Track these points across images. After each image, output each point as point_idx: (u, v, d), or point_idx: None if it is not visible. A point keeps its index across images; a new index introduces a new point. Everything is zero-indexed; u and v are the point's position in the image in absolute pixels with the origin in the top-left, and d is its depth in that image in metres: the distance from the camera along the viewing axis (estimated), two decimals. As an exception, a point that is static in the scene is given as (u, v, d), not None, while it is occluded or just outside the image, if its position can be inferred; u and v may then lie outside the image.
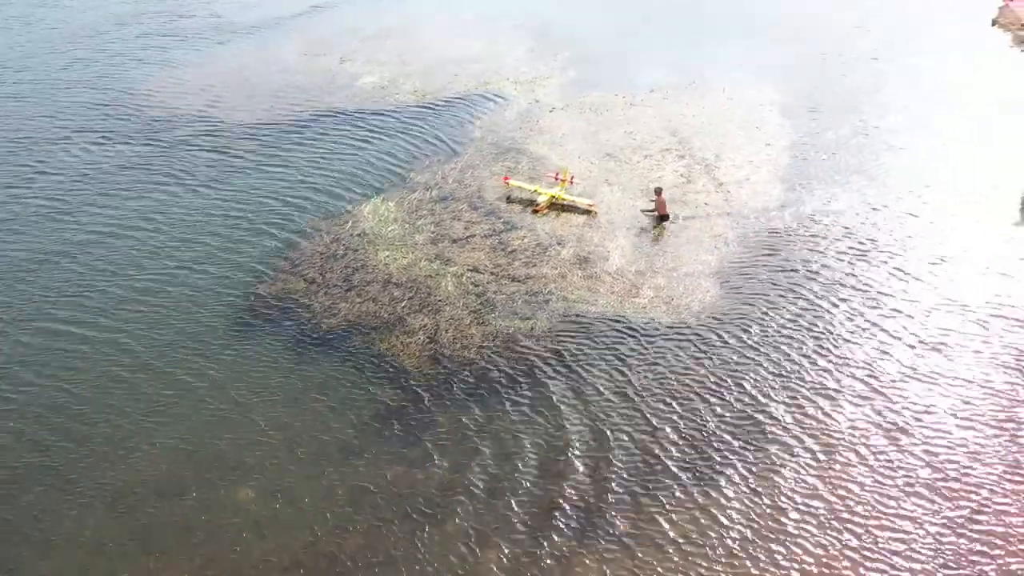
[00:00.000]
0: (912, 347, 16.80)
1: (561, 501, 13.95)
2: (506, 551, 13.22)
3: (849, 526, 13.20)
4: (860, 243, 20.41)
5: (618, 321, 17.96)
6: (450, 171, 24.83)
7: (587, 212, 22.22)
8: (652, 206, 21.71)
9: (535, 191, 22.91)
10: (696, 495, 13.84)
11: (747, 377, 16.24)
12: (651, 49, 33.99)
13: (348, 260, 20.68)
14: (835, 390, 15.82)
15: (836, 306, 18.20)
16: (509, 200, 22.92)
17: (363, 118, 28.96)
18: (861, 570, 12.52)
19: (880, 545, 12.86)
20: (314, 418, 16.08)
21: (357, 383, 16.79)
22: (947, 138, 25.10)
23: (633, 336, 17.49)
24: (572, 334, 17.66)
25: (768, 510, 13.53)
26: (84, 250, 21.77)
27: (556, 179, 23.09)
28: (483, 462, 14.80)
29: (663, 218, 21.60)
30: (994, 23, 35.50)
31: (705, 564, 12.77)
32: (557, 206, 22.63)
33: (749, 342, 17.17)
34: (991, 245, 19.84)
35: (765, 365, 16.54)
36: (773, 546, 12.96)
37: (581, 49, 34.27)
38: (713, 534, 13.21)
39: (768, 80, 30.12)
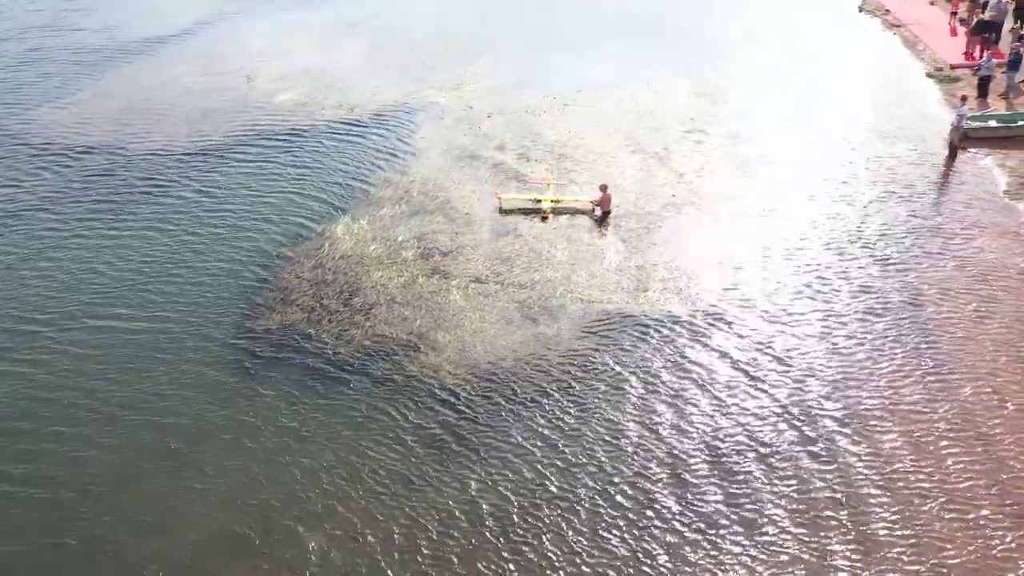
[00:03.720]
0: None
1: (653, 501, 13.95)
2: (611, 557, 13.11)
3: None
4: (826, 206, 22.11)
5: (640, 317, 18.14)
6: (411, 184, 24.22)
7: (589, 210, 22.31)
8: (597, 199, 22.18)
9: (534, 200, 22.65)
10: (787, 478, 14.26)
11: (779, 351, 16.91)
12: (555, 51, 34.62)
13: (341, 284, 19.71)
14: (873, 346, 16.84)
15: (831, 265, 19.46)
16: (502, 211, 22.50)
17: (296, 137, 27.69)
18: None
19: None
20: (362, 453, 15.15)
21: (398, 409, 16.02)
22: (857, 110, 27.54)
23: (660, 329, 17.73)
24: (602, 334, 17.67)
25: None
26: (43, 313, 19.50)
27: (540, 184, 23.04)
28: (558, 472, 14.50)
29: (607, 214, 22.14)
30: (860, 9, 38.93)
31: (797, 543, 13.24)
32: (558, 209, 22.56)
33: (769, 319, 17.87)
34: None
35: (790, 336, 17.29)
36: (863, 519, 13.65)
37: (491, 55, 34.42)
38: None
39: (680, 74, 31.48)
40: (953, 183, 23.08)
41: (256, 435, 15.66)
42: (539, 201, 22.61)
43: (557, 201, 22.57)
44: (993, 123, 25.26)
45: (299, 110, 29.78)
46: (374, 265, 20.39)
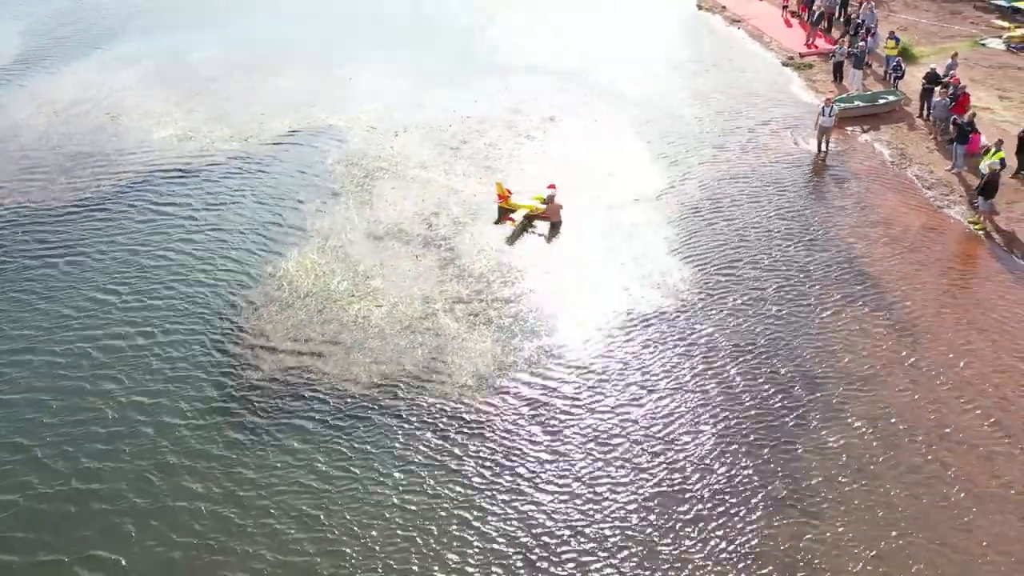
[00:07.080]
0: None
1: (726, 496, 14.55)
2: (697, 556, 13.58)
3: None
4: (742, 177, 24.55)
5: (633, 315, 18.70)
6: (346, 210, 23.30)
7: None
8: (544, 211, 22.44)
9: (532, 210, 22.42)
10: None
11: (772, 323, 18.09)
12: (430, 64, 34.31)
13: (320, 322, 18.65)
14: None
15: (770, 223, 21.81)
16: (509, 242, 21.80)
17: (199, 175, 25.63)
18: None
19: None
20: (414, 495, 14.46)
21: (433, 443, 15.43)
22: (738, 96, 29.80)
23: (657, 323, 18.37)
24: (606, 338, 18.00)
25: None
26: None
27: (501, 199, 22.83)
28: (622, 479, 14.68)
29: (556, 224, 22.50)
30: (699, 7, 41.88)
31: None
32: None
33: (749, 293, 19.01)
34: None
35: (773, 305, 18.56)
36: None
37: (362, 72, 33.63)
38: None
39: (564, 79, 32.37)
40: (847, 157, 25.66)
41: (287, 502, 14.44)
42: (533, 210, 22.46)
43: (542, 200, 22.59)
44: (859, 103, 28.30)
45: (188, 145, 27.57)
46: (346, 299, 19.49)
